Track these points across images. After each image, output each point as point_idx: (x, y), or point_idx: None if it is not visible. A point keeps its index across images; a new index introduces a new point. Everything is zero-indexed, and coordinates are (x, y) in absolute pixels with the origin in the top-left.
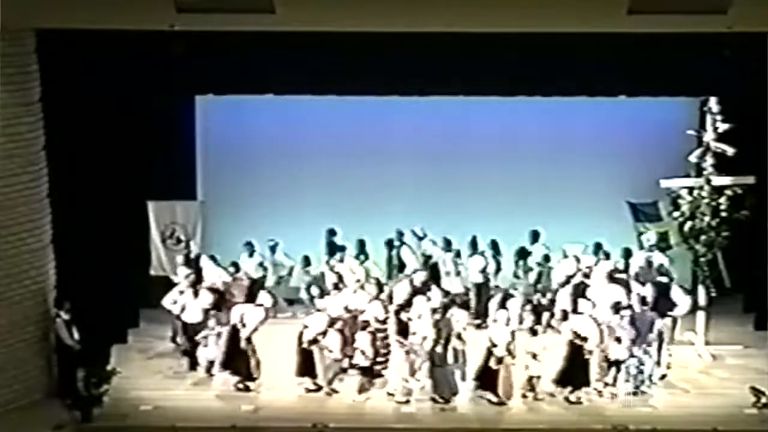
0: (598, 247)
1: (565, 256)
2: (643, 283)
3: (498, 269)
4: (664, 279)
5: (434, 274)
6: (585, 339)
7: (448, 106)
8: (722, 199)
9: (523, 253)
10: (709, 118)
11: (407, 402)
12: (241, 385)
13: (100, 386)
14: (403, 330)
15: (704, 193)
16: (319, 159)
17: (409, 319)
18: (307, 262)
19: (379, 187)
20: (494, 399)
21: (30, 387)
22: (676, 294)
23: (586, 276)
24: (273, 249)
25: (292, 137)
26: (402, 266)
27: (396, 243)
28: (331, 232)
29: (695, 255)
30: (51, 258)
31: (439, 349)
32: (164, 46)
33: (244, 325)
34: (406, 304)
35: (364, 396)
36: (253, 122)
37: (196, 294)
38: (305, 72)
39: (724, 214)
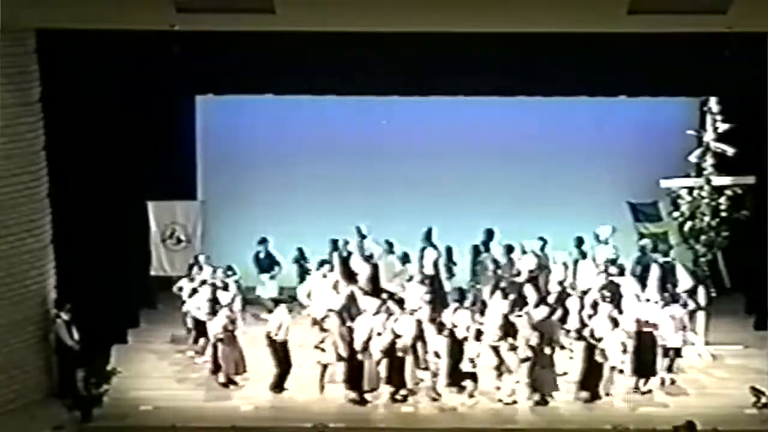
0: (579, 241)
1: (524, 252)
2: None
3: (451, 268)
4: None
5: (375, 275)
6: (654, 326)
7: (448, 106)
8: (722, 199)
9: (477, 252)
10: (709, 118)
11: (515, 402)
12: (359, 397)
13: (100, 386)
14: (512, 332)
15: (704, 193)
16: (319, 159)
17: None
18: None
19: (379, 187)
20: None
21: (30, 387)
22: (680, 272)
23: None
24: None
25: (292, 137)
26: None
27: (344, 252)
28: (262, 241)
29: (695, 255)
30: (51, 258)
31: (547, 350)
32: (164, 46)
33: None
34: (513, 307)
35: (473, 400)
36: (253, 122)
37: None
38: (305, 72)
39: (724, 214)
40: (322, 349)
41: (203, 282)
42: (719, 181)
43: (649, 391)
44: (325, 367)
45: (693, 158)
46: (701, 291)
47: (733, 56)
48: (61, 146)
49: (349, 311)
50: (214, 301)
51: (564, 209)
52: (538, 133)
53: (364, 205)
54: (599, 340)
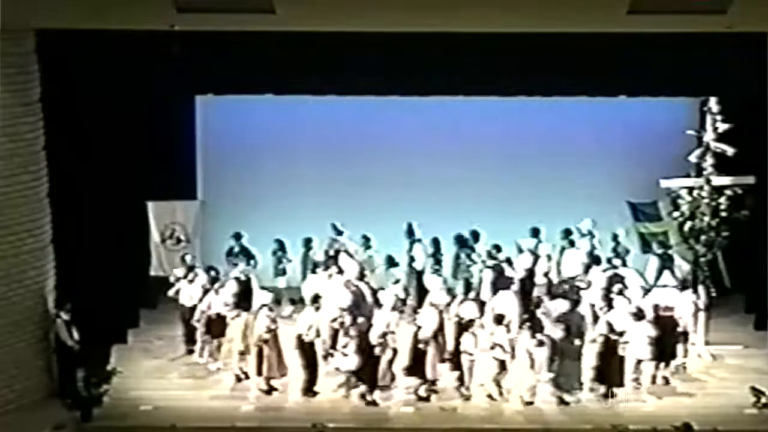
0: (567, 233)
1: (521, 251)
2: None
3: (439, 265)
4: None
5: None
6: (671, 309)
7: (448, 106)
8: (722, 199)
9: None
10: (709, 118)
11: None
12: (425, 393)
13: (100, 386)
14: (540, 326)
15: (704, 193)
16: (319, 159)
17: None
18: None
19: (379, 187)
20: (615, 391)
21: (30, 387)
22: (678, 259)
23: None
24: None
25: (292, 137)
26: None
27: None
28: (237, 236)
29: (695, 255)
30: (51, 258)
31: (576, 342)
32: (164, 46)
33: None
34: (539, 301)
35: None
36: (253, 122)
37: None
38: (305, 72)
39: (724, 214)
40: (345, 354)
41: (214, 279)
42: (719, 181)
43: (667, 382)
44: (352, 374)
45: (693, 158)
46: (701, 291)
47: (733, 56)
48: (61, 146)
49: (359, 309)
50: (240, 296)
51: (564, 209)
52: (538, 134)
53: (365, 205)
54: (621, 333)
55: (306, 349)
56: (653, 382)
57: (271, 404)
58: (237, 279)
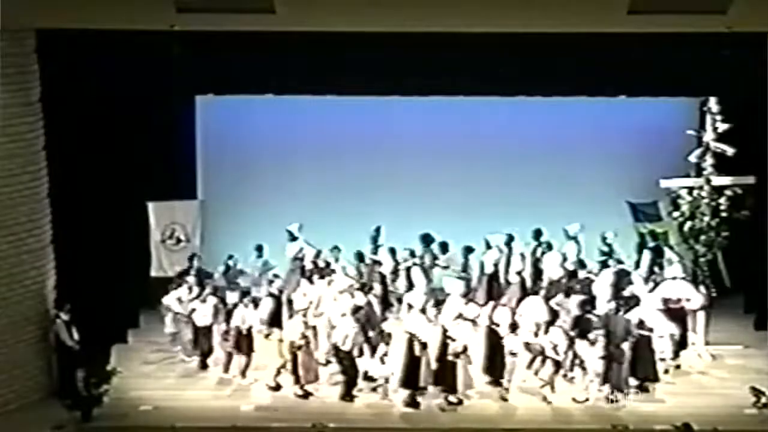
0: (537, 234)
1: (489, 247)
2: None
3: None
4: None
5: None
6: (679, 300)
7: (447, 106)
8: (722, 199)
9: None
10: (709, 118)
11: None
12: (453, 399)
13: (100, 386)
14: (587, 328)
15: (704, 193)
16: (319, 159)
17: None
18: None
19: (379, 187)
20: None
21: (30, 387)
22: (671, 255)
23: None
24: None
25: (292, 137)
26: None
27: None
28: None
29: (695, 255)
30: (51, 258)
31: (623, 345)
32: (164, 46)
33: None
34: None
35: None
36: (253, 122)
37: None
38: (305, 72)
39: (724, 214)
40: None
41: (242, 295)
42: (719, 181)
43: (678, 367)
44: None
45: (693, 158)
46: (701, 290)
47: (733, 56)
48: (61, 146)
49: (368, 319)
50: (274, 313)
51: (564, 209)
52: (538, 134)
53: (364, 205)
54: (651, 329)
55: (342, 358)
56: (666, 372)
57: (271, 404)
58: (272, 295)
